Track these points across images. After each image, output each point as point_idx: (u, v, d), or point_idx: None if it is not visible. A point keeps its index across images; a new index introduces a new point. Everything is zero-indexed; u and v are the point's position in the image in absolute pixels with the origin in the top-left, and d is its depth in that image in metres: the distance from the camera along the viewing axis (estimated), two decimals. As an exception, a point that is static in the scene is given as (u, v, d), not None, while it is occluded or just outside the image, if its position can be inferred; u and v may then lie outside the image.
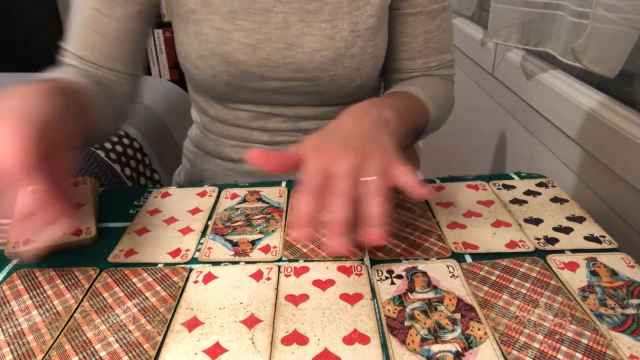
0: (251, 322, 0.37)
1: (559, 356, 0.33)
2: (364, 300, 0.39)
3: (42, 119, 0.40)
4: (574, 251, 0.45)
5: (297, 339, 0.35)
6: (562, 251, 0.45)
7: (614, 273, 0.42)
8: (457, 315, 0.38)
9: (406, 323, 0.37)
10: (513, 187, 0.57)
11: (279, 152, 0.41)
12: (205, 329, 0.37)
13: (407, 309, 0.38)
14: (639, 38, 0.62)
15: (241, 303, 0.39)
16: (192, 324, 0.38)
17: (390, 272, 0.43)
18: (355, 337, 0.35)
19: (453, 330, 0.36)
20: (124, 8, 0.62)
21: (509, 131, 1.11)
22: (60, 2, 2.65)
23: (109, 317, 0.38)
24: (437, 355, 0.34)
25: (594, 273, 0.42)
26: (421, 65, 0.70)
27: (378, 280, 0.41)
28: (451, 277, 0.42)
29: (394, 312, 0.38)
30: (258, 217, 0.52)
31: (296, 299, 0.40)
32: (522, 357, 0.33)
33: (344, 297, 0.40)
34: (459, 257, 0.44)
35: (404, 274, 0.43)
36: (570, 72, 0.86)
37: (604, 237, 0.47)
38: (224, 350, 0.35)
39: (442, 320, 0.37)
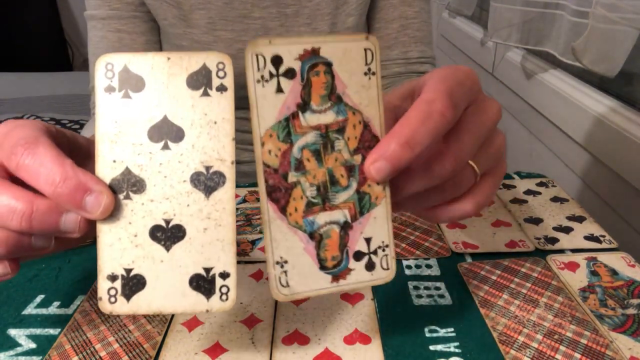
0: (251, 322, 0.37)
1: (557, 356, 0.33)
2: (365, 300, 0.39)
3: (51, 128, 0.36)
4: (574, 251, 0.45)
5: (297, 338, 0.36)
6: (562, 251, 0.45)
7: (614, 273, 0.42)
8: (358, 158, 0.29)
9: (290, 178, 0.28)
10: (513, 186, 0.57)
11: None
12: (205, 328, 0.37)
13: (295, 150, 0.28)
14: (639, 38, 0.62)
15: (241, 303, 0.39)
16: (192, 323, 0.38)
17: (276, 60, 0.27)
18: (356, 337, 0.35)
19: (347, 187, 0.29)
20: (145, 22, 0.62)
21: (509, 131, 1.11)
22: (60, 2, 2.65)
23: (109, 317, 0.38)
24: (321, 230, 0.28)
25: (594, 273, 0.42)
26: (400, 54, 0.66)
27: (258, 82, 0.27)
28: None
29: (276, 156, 0.28)
30: (258, 217, 0.52)
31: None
32: (520, 356, 0.34)
33: (345, 296, 0.40)
34: (459, 257, 0.44)
35: (297, 65, 0.27)
36: (570, 72, 0.86)
37: (604, 236, 0.47)
38: (224, 350, 0.35)
39: (337, 168, 0.28)
